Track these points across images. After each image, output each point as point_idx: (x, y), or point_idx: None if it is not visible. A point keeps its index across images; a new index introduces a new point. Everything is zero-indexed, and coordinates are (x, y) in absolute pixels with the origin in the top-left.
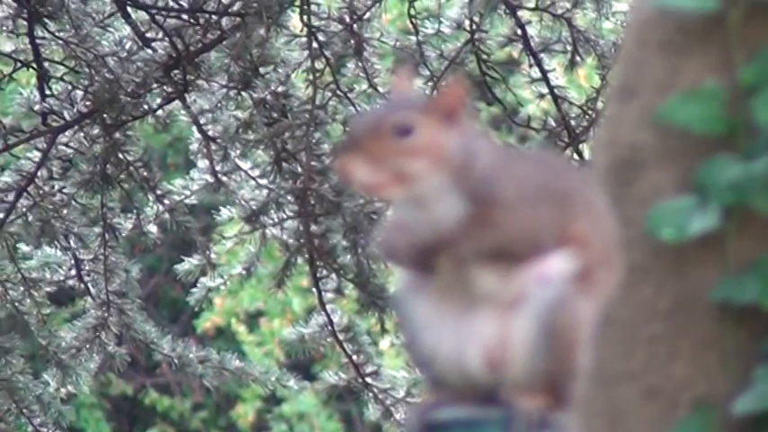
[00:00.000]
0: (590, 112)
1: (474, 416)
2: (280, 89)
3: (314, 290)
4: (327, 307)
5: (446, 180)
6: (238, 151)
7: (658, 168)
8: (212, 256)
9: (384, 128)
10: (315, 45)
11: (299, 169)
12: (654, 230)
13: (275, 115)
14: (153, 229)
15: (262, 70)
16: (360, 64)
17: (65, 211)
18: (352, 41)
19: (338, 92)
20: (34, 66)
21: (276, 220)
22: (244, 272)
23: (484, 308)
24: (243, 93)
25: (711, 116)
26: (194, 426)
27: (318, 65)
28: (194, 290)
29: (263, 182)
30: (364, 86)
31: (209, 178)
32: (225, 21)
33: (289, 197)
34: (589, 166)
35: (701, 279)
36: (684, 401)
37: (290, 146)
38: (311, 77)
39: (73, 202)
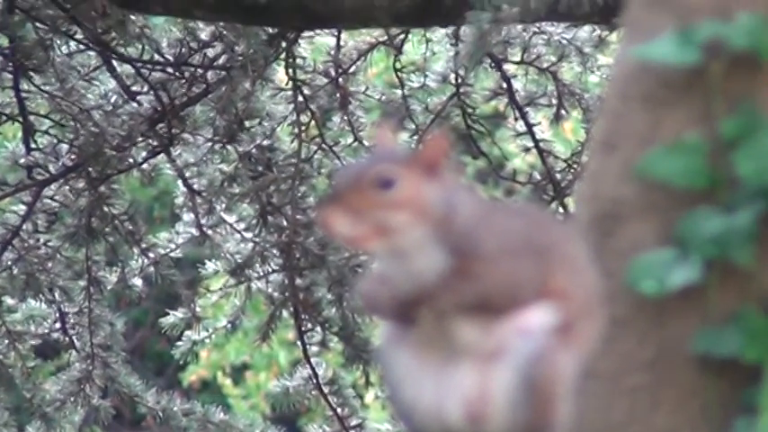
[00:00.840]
0: (575, 165)
1: None
2: (265, 143)
3: (299, 343)
4: (312, 360)
5: (427, 233)
6: (224, 205)
7: (639, 221)
8: (197, 309)
9: (365, 180)
10: (300, 99)
11: (285, 223)
12: (635, 283)
13: (260, 169)
14: (138, 282)
15: (247, 124)
16: (345, 117)
17: (50, 265)
18: (338, 95)
19: (324, 145)
20: (19, 119)
21: (261, 273)
22: (229, 325)
23: (464, 360)
24: (228, 146)
25: (692, 169)
26: None
27: (304, 118)
28: (180, 343)
29: (249, 235)
30: (350, 140)
31: (195, 231)
32: (210, 74)
33: (274, 250)
34: (572, 219)
35: (683, 331)
36: None
37: (275, 199)
38: (296, 131)
39: (58, 256)
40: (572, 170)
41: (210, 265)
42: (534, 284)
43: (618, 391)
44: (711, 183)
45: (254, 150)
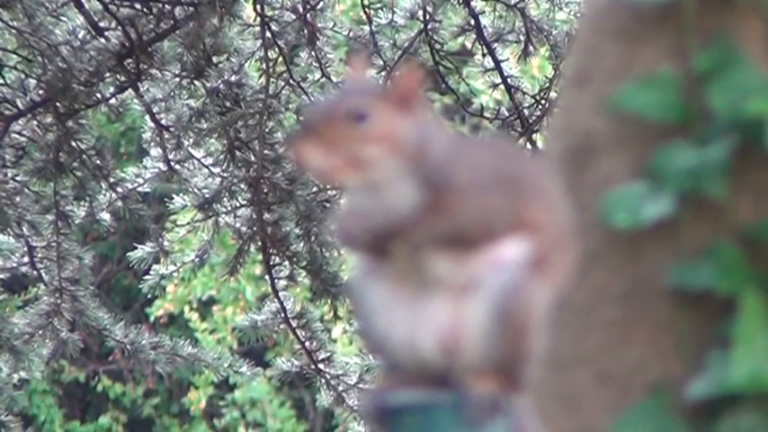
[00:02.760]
0: (543, 101)
1: (427, 400)
2: (233, 78)
3: (267, 277)
4: (280, 294)
5: (401, 166)
6: (191, 140)
7: (612, 155)
8: (165, 243)
9: (338, 114)
10: (268, 35)
11: (252, 158)
12: (608, 216)
13: (228, 104)
14: (106, 216)
15: (215, 59)
16: (313, 54)
17: (18, 199)
18: (306, 31)
19: (291, 81)
20: None
21: (229, 208)
22: (197, 259)
23: (437, 293)
24: (196, 82)
25: (665, 103)
26: (146, 412)
27: (272, 54)
28: (147, 277)
29: (217, 170)
30: (317, 76)
31: (163, 166)
32: (178, 10)
33: (242, 185)
34: (542, 154)
35: (655, 264)
36: (638, 386)
37: (243, 135)
38: (264, 67)
39: (26, 190)
40: (540, 106)
41: (178, 200)
42: (507, 217)
43: (591, 323)
44: (685, 116)
45: (221, 86)
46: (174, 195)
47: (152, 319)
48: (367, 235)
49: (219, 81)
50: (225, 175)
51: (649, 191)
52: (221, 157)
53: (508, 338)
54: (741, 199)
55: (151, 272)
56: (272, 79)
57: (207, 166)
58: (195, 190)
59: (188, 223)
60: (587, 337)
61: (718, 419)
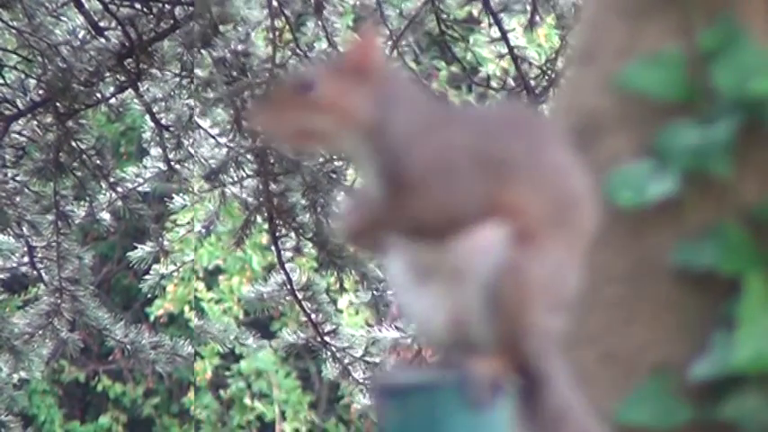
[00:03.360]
0: (549, 72)
1: (431, 380)
2: (240, 47)
3: (273, 248)
4: (286, 265)
5: (362, 144)
6: (198, 109)
7: (617, 133)
8: (165, 243)
9: (288, 84)
10: (275, 3)
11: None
12: (612, 194)
13: (235, 74)
14: (106, 216)
15: (222, 28)
16: (320, 23)
17: (18, 199)
18: (312, 0)
19: (298, 50)
20: None
21: (236, 178)
22: (203, 229)
23: (433, 278)
24: (203, 51)
25: (671, 81)
26: (146, 412)
27: (278, 23)
28: (147, 277)
29: (223, 140)
30: (324, 45)
31: (162, 166)
32: (178, 10)
33: (248, 156)
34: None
35: (660, 243)
36: (642, 366)
37: (249, 104)
38: (271, 36)
39: (26, 190)
40: (546, 76)
41: (178, 200)
42: (478, 202)
43: (594, 303)
44: (690, 95)
45: (228, 55)
46: (173, 195)
47: (152, 318)
48: (353, 231)
49: (226, 50)
50: (231, 145)
51: (654, 169)
52: (228, 127)
53: (504, 319)
54: (745, 178)
55: (151, 272)
56: (278, 48)
57: (213, 136)
58: (202, 160)
59: (195, 193)
60: (591, 316)
61: (722, 400)
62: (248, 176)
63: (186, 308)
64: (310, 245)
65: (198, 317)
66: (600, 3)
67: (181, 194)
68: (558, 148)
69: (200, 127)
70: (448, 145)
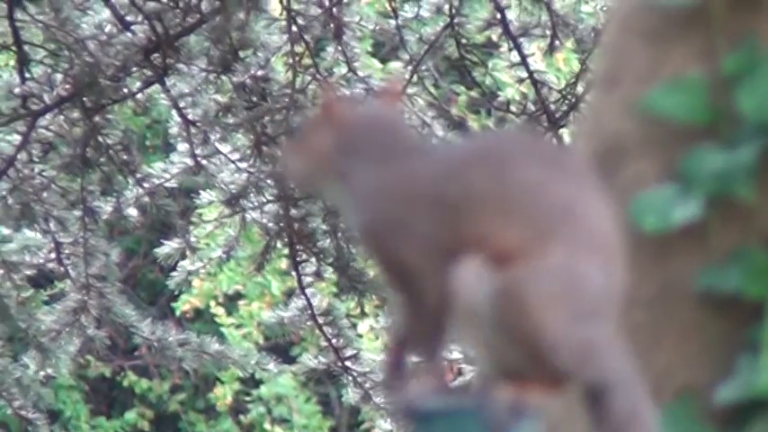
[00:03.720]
0: (569, 96)
1: (453, 406)
2: (259, 73)
3: (293, 273)
4: (307, 290)
5: (335, 185)
6: (218, 135)
7: (641, 157)
8: (192, 239)
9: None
10: (294, 29)
11: (279, 153)
12: (637, 219)
13: (255, 99)
14: (132, 212)
15: (241, 54)
16: (339, 48)
17: (44, 194)
18: (332, 25)
19: (318, 75)
20: (14, 49)
21: (256, 203)
22: (223, 254)
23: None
24: (222, 76)
25: (695, 105)
26: (172, 408)
27: (298, 48)
28: (174, 273)
29: (243, 165)
30: (344, 70)
31: (189, 161)
32: (204, 4)
33: (268, 181)
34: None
35: (684, 268)
36: (667, 390)
37: (269, 129)
38: (291, 61)
39: (53, 186)
40: (566, 101)
41: (205, 195)
42: (441, 246)
43: (618, 328)
44: (713, 118)
45: (248, 80)
46: (200, 191)
47: (178, 313)
48: None
49: (246, 75)
50: (251, 170)
51: (678, 194)
52: (248, 152)
53: (521, 342)
54: None
55: (178, 268)
56: (298, 73)
57: (234, 162)
58: (222, 185)
59: (215, 219)
60: None
61: (747, 424)
62: (269, 201)
63: (212, 303)
64: (330, 270)
65: (218, 342)
66: (622, 27)
67: (207, 190)
68: (531, 163)
69: (220, 152)
70: (401, 200)
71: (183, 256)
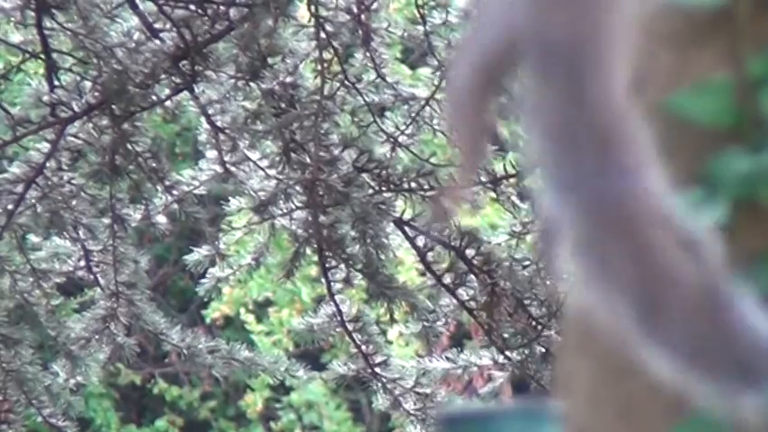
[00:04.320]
0: None
1: (484, 411)
2: (288, 80)
3: (323, 280)
4: (336, 297)
5: None
6: (247, 142)
7: (667, 161)
8: (221, 246)
9: None
10: (323, 35)
11: (308, 160)
12: None
13: (283, 106)
14: (162, 219)
15: (270, 61)
16: (368, 54)
17: (74, 202)
18: (360, 32)
19: (346, 82)
20: (42, 56)
21: (285, 210)
22: (253, 262)
23: None
24: (251, 83)
25: (720, 109)
26: (203, 415)
27: (326, 55)
28: (204, 280)
29: (272, 172)
30: (372, 76)
31: (218, 168)
32: (233, 11)
33: (297, 188)
34: None
35: None
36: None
37: (298, 136)
38: (319, 68)
39: (82, 193)
40: None
41: (234, 202)
42: None
43: None
44: (739, 122)
45: (276, 87)
46: (229, 198)
47: (208, 321)
48: None
49: (274, 82)
50: (280, 177)
51: (704, 197)
52: (276, 159)
53: None
54: None
55: (207, 275)
56: (326, 80)
57: (262, 169)
58: (251, 192)
59: (244, 226)
60: None
61: None
62: (297, 208)
63: (242, 310)
64: (360, 276)
65: (248, 349)
66: (647, 32)
67: (236, 197)
68: None
69: (249, 159)
70: None
71: (213, 264)
